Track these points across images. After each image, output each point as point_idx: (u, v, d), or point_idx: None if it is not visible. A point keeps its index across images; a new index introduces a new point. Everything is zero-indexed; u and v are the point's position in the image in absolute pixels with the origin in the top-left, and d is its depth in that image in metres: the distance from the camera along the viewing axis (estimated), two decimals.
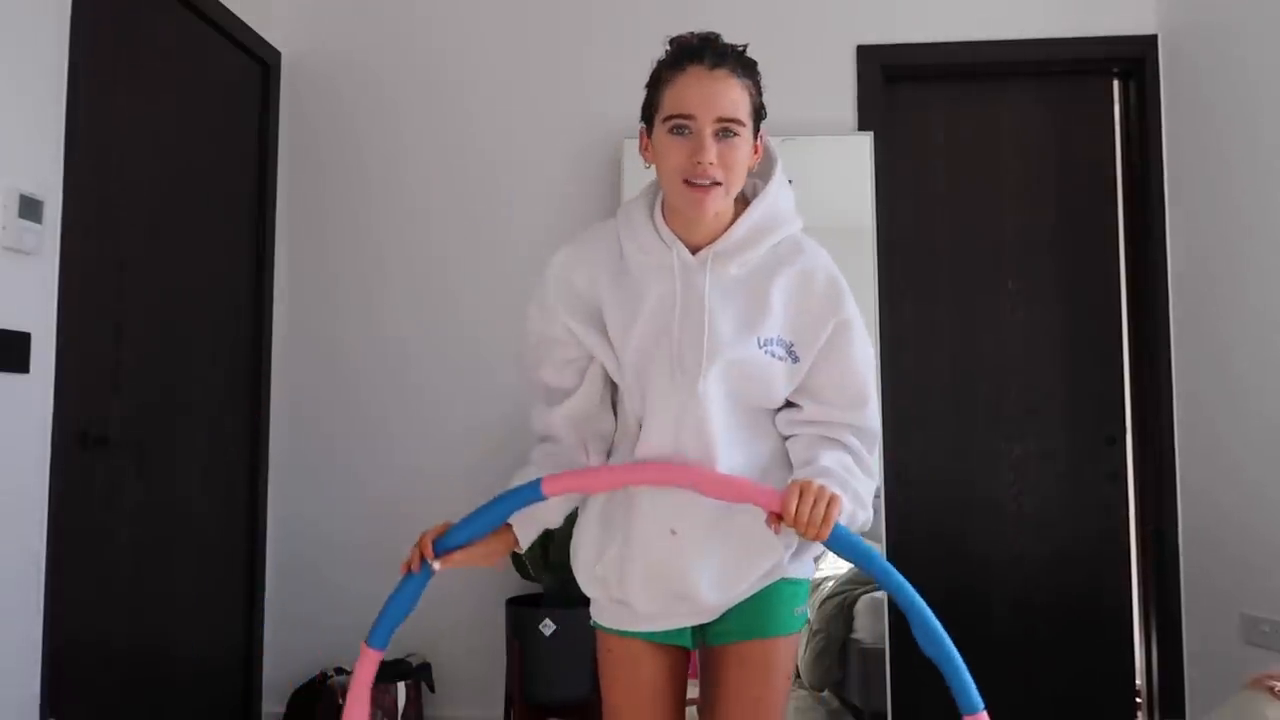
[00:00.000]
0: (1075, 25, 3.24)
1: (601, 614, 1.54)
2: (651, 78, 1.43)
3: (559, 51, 3.38)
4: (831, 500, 1.28)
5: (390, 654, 3.16)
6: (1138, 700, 3.21)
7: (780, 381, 1.43)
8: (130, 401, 2.61)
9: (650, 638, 1.50)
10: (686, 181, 1.36)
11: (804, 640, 3.10)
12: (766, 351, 1.40)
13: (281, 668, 3.24)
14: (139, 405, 2.65)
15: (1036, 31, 3.24)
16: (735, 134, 1.36)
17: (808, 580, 1.51)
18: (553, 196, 3.32)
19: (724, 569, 1.43)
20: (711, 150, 1.35)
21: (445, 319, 3.33)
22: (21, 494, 2.23)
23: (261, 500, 3.28)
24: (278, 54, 3.40)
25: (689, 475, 1.37)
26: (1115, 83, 3.35)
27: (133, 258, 2.65)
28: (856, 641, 3.07)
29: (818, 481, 1.31)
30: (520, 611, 2.96)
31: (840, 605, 3.09)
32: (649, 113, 1.43)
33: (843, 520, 1.31)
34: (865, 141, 3.19)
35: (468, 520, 1.42)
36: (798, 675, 3.10)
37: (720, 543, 1.42)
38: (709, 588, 1.43)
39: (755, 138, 1.42)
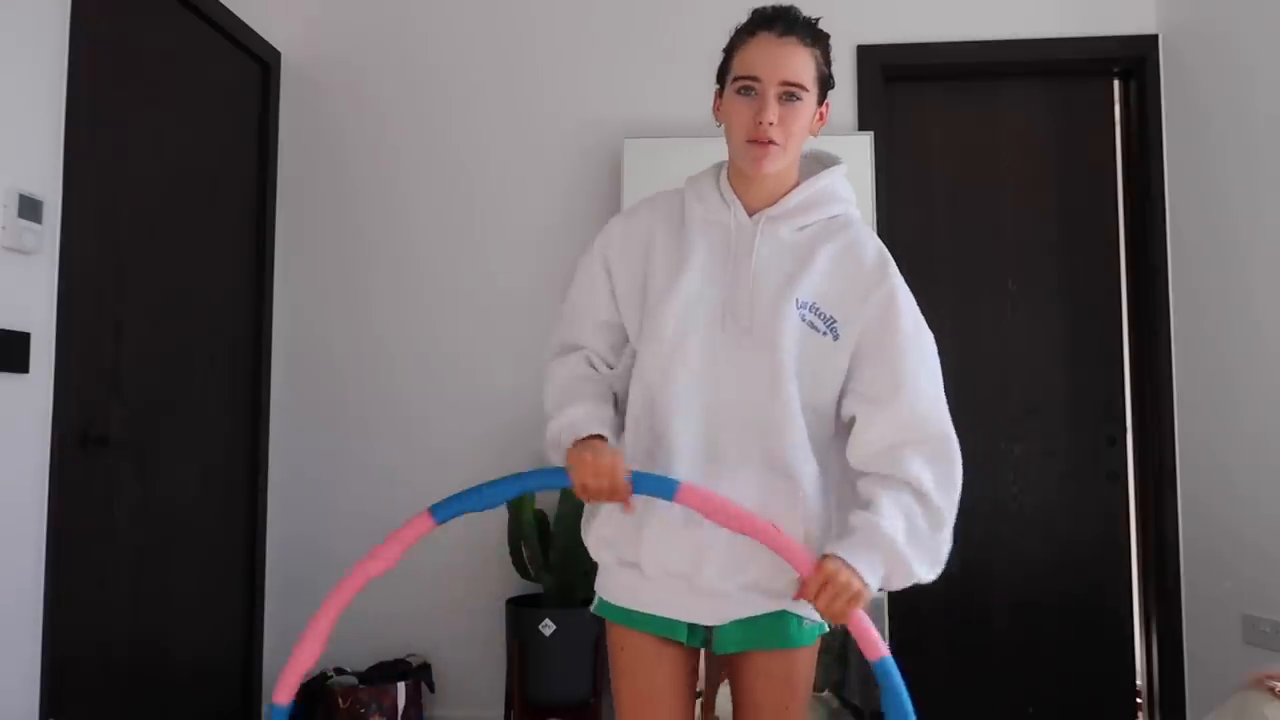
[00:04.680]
0: (1076, 25, 3.24)
1: (608, 587, 1.53)
2: (728, 44, 1.50)
3: (560, 52, 3.38)
4: (855, 595, 1.31)
5: (390, 654, 3.17)
6: (1138, 700, 3.21)
7: (825, 362, 1.42)
8: (130, 401, 2.61)
9: (645, 625, 1.49)
10: (749, 141, 1.43)
11: None
12: (801, 315, 1.42)
13: (281, 668, 3.23)
14: (139, 405, 2.65)
15: (1037, 31, 3.24)
16: (798, 98, 1.43)
17: (821, 626, 1.50)
18: (554, 196, 3.32)
19: (733, 549, 1.40)
20: (773, 111, 1.41)
21: (446, 318, 3.33)
22: (21, 494, 2.23)
23: (261, 500, 3.28)
24: (278, 54, 3.40)
25: (701, 497, 1.35)
26: (1116, 83, 3.34)
27: (133, 258, 2.65)
28: (857, 642, 3.06)
29: (850, 567, 1.32)
30: (520, 611, 2.96)
31: None
32: (722, 76, 1.50)
33: (889, 582, 1.36)
34: (865, 141, 3.19)
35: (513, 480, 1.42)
36: None
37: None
38: (716, 568, 1.41)
39: (820, 104, 1.48)
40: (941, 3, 3.29)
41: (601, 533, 1.50)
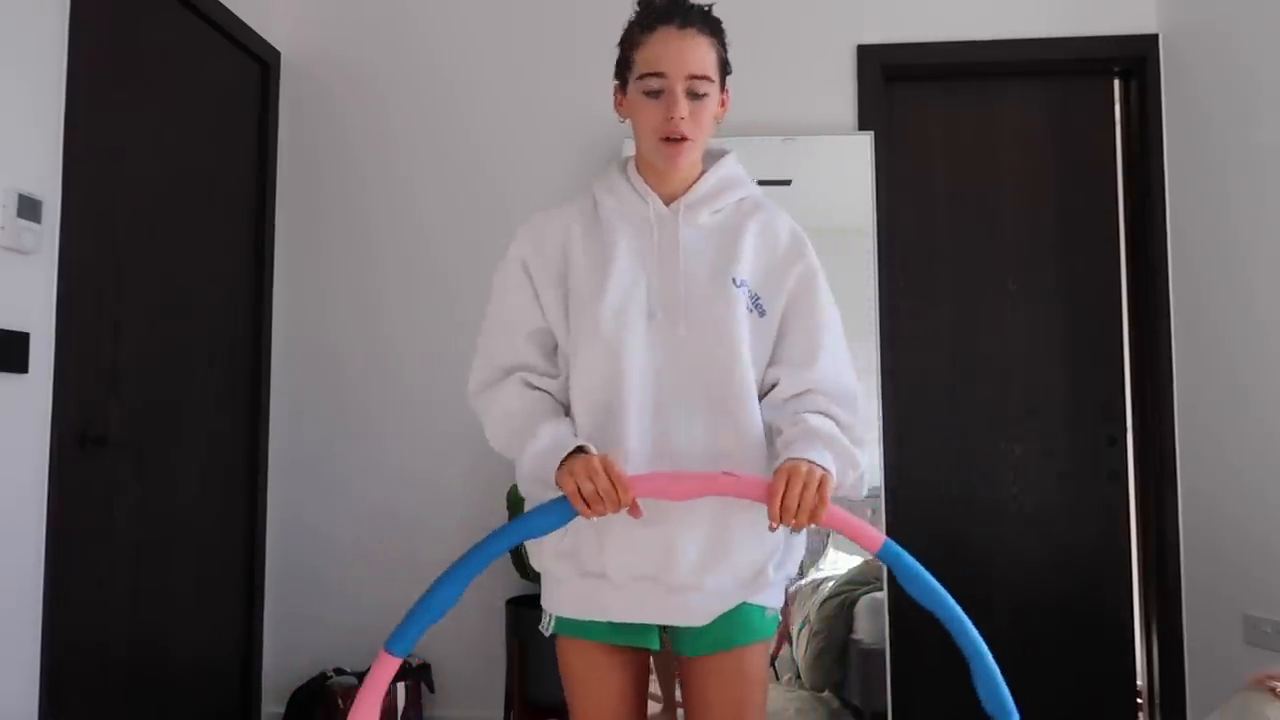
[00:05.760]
0: (1076, 24, 3.23)
1: (562, 601, 1.47)
2: (623, 37, 1.52)
3: (559, 52, 3.38)
4: (823, 480, 1.28)
5: None
6: (1139, 701, 3.21)
7: (750, 338, 1.42)
8: (129, 401, 2.61)
9: (613, 637, 1.46)
10: (662, 139, 1.44)
11: (805, 641, 3.09)
12: (740, 291, 1.43)
13: (281, 668, 3.24)
14: (138, 405, 2.65)
15: (1037, 31, 3.24)
16: (704, 93, 1.44)
17: (777, 614, 1.51)
18: (553, 196, 3.27)
19: (709, 541, 1.38)
20: (684, 107, 1.42)
21: (445, 319, 3.33)
22: (20, 494, 2.23)
23: (261, 500, 3.27)
24: (277, 54, 3.40)
25: (662, 482, 1.33)
26: (1116, 82, 3.34)
27: (132, 258, 2.65)
28: (856, 642, 3.06)
29: (805, 460, 1.30)
30: (520, 611, 2.96)
31: (840, 605, 3.08)
32: (622, 71, 1.52)
33: (835, 482, 1.32)
34: (865, 141, 3.19)
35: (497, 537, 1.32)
36: (798, 675, 3.10)
37: (709, 511, 1.38)
38: (689, 563, 1.38)
39: (722, 91, 1.50)
40: (941, 3, 3.29)
41: (560, 545, 1.43)
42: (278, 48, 3.40)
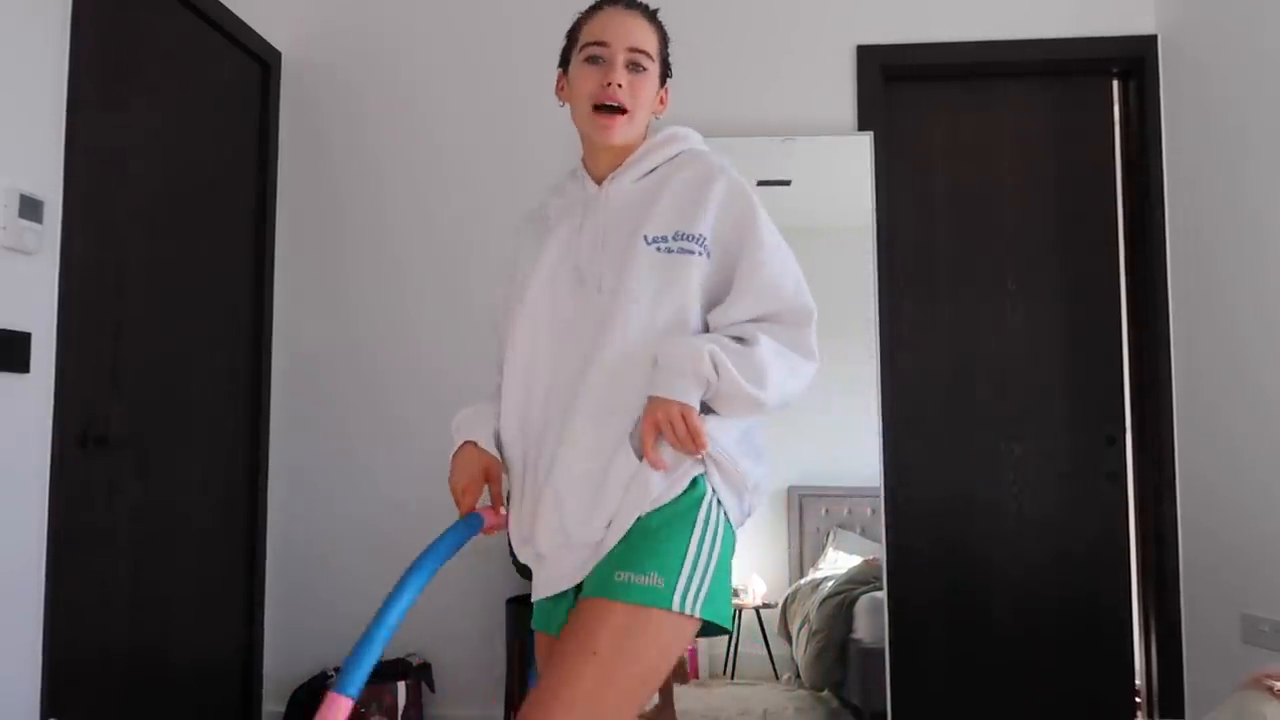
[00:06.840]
0: (1075, 25, 3.24)
1: (533, 588, 1.50)
2: (571, 27, 1.56)
3: (557, 53, 3.37)
4: (682, 414, 1.30)
5: (390, 654, 3.17)
6: (1137, 700, 3.21)
7: (689, 281, 1.39)
8: (130, 401, 2.62)
9: (543, 623, 1.46)
10: (597, 108, 1.45)
11: (805, 640, 3.10)
12: (656, 247, 1.40)
13: (281, 667, 3.24)
14: (139, 405, 2.65)
15: (1036, 31, 3.24)
16: (644, 68, 1.47)
17: (661, 589, 1.29)
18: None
19: (581, 487, 1.37)
20: (622, 75, 1.45)
21: (447, 319, 3.33)
22: (21, 494, 2.24)
23: (261, 500, 3.28)
24: (278, 54, 3.40)
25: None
26: (1115, 82, 3.35)
27: (133, 258, 2.65)
28: (856, 641, 3.07)
29: (660, 401, 1.31)
30: (520, 611, 2.96)
31: (840, 605, 3.09)
32: (566, 56, 1.56)
33: (719, 386, 1.32)
34: (865, 141, 3.19)
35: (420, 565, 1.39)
36: (798, 675, 3.10)
37: (587, 466, 1.37)
38: (571, 512, 1.37)
39: (661, 87, 1.53)
40: (941, 3, 3.29)
41: (518, 529, 1.48)
42: (278, 48, 3.40)
